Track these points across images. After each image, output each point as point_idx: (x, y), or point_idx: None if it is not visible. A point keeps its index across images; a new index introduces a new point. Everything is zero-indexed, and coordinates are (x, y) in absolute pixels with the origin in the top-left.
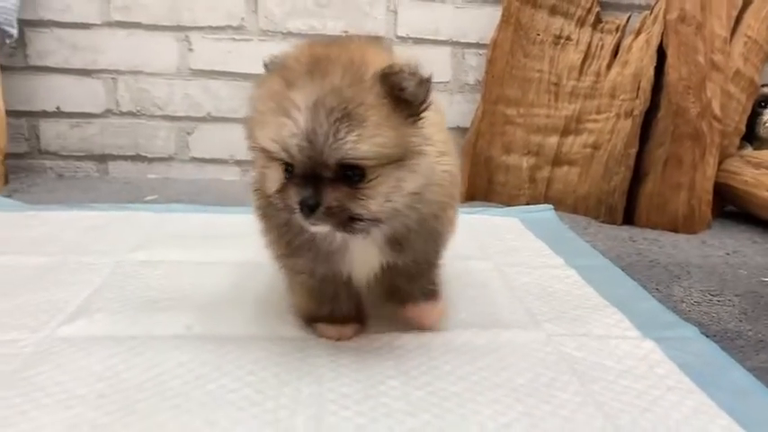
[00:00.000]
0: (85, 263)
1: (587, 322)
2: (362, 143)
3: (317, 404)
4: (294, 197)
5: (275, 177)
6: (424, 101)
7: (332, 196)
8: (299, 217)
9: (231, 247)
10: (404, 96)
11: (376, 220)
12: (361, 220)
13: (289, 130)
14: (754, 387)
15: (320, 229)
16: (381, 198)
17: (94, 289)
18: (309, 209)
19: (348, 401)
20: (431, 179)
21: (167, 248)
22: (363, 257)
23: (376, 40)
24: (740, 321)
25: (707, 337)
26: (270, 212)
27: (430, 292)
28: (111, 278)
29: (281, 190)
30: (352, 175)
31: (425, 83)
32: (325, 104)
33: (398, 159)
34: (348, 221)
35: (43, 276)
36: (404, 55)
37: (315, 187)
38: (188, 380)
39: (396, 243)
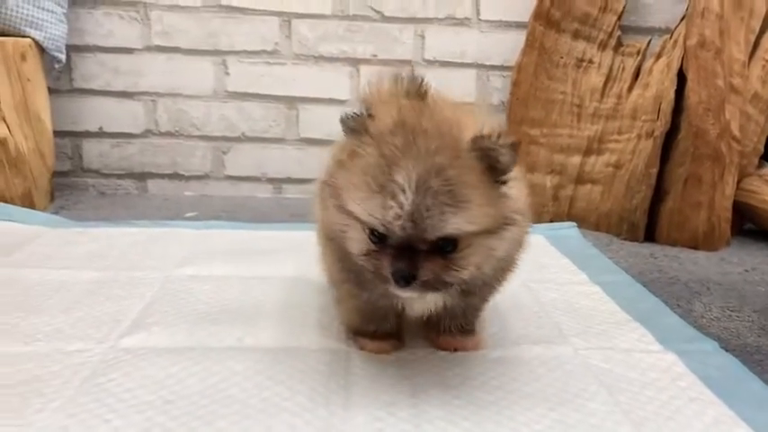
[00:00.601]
0: (136, 278)
1: (613, 337)
2: (465, 223)
3: (364, 412)
4: (388, 267)
5: (360, 239)
6: (513, 161)
7: (428, 269)
8: (391, 286)
9: (272, 263)
10: (498, 167)
11: (462, 283)
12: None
13: (394, 213)
14: None
15: (410, 295)
16: (473, 267)
17: (147, 303)
18: (405, 281)
19: (393, 409)
20: (517, 242)
21: (212, 264)
22: (431, 299)
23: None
24: (759, 336)
25: (726, 351)
26: (347, 264)
27: (467, 331)
28: (161, 292)
29: (370, 255)
30: (446, 245)
31: (516, 149)
32: (430, 186)
33: (492, 230)
34: (437, 286)
35: (97, 291)
36: (483, 113)
37: (410, 259)
38: (245, 387)
39: (468, 291)
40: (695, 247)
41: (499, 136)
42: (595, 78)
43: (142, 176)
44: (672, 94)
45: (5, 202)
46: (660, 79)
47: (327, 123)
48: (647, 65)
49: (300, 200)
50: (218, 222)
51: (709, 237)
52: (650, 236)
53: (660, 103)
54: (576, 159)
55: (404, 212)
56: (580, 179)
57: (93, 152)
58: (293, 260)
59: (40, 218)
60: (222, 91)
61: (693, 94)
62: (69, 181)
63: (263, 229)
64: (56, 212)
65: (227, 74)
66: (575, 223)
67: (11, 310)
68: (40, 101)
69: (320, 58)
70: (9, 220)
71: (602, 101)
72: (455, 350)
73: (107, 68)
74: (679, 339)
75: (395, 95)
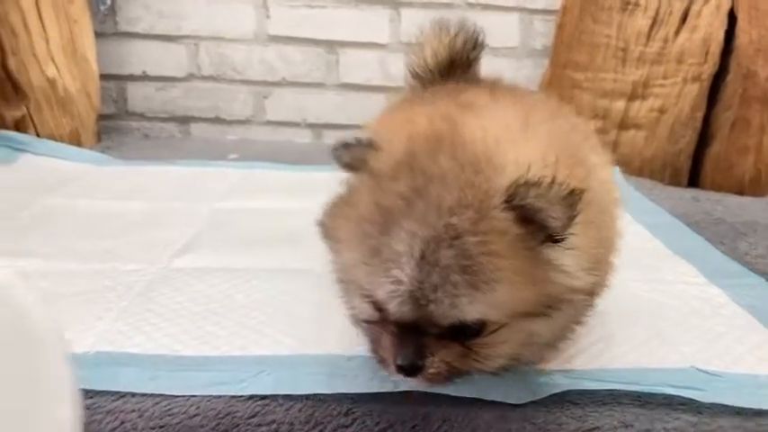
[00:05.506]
0: (183, 209)
1: (657, 269)
2: (489, 309)
3: None
4: (389, 352)
5: (364, 307)
6: (570, 220)
7: (438, 357)
8: (390, 372)
9: (310, 198)
10: (547, 229)
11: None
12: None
13: (388, 290)
14: None
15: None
16: (503, 358)
17: (196, 231)
18: (407, 373)
19: None
20: (576, 318)
21: (254, 198)
22: None
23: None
24: None
25: None
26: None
27: None
28: (208, 222)
29: (372, 330)
30: (465, 330)
31: (575, 202)
32: (439, 260)
33: (533, 313)
34: (451, 378)
35: (147, 219)
36: (540, 129)
37: (416, 345)
38: (293, 304)
39: None
40: (741, 192)
41: (551, 185)
42: (641, 22)
43: (185, 120)
44: (721, 36)
45: (54, 140)
46: (709, 21)
47: (367, 68)
48: (695, 7)
49: None
50: (260, 163)
51: (756, 182)
52: (694, 181)
53: (709, 46)
54: (620, 104)
55: (401, 291)
56: (624, 124)
57: (138, 95)
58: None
59: (87, 156)
60: (263, 34)
61: (743, 34)
62: (114, 124)
63: (301, 170)
64: (102, 152)
65: (268, 17)
66: (617, 167)
67: (64, 233)
68: (87, 42)
69: (361, 1)
70: (59, 158)
71: (647, 45)
72: None
73: (151, 12)
74: (723, 274)
75: (440, 56)
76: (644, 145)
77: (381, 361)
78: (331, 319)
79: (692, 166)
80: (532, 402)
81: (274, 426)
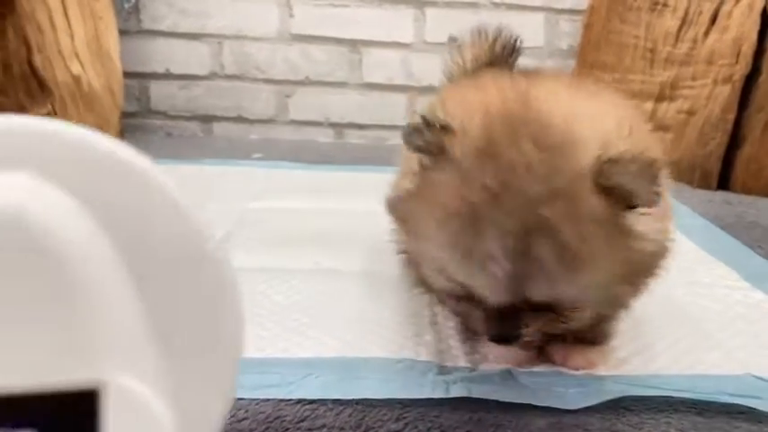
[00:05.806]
0: (214, 208)
1: (695, 272)
2: (581, 288)
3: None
4: (482, 326)
5: (449, 286)
6: (656, 193)
7: (532, 328)
8: (484, 340)
9: (341, 199)
10: (632, 203)
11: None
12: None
13: (483, 282)
14: None
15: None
16: (589, 318)
17: (228, 230)
18: (502, 341)
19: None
20: (651, 277)
21: (284, 198)
22: None
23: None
24: None
25: None
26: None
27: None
28: (240, 222)
29: (457, 300)
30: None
31: (656, 173)
32: (533, 253)
33: (616, 281)
34: (542, 340)
35: None
36: (607, 104)
37: (511, 320)
38: (329, 304)
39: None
40: None
41: (633, 159)
42: (670, 22)
43: (207, 119)
44: (754, 36)
45: None
46: (741, 21)
47: (390, 68)
48: (725, 8)
49: (362, 145)
50: (286, 163)
51: None
52: (723, 184)
53: (740, 47)
54: (647, 105)
55: (497, 284)
56: (651, 126)
57: (161, 94)
58: (363, 197)
59: None
60: (287, 33)
61: None
62: (137, 122)
63: (328, 170)
64: None
65: (292, 16)
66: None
67: None
68: (111, 39)
69: (384, 0)
70: None
71: (676, 45)
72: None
73: (175, 10)
74: (766, 278)
75: (479, 60)
76: (672, 147)
77: (472, 332)
78: (373, 321)
79: (722, 169)
80: (586, 408)
81: (325, 430)
